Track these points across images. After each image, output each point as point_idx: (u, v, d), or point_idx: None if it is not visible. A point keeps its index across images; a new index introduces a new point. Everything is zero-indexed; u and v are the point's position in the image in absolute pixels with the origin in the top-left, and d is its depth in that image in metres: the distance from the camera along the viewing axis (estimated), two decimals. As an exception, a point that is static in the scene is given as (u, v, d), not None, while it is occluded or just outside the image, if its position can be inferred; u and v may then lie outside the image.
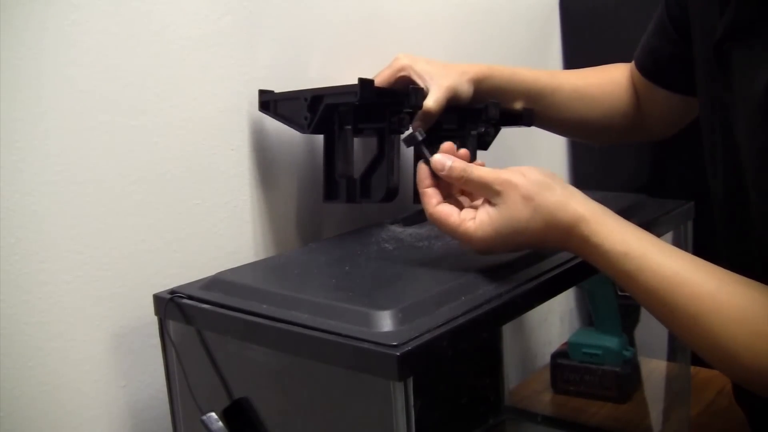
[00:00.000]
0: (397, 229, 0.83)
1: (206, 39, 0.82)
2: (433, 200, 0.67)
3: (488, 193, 0.65)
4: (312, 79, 0.93)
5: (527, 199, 0.63)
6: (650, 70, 0.89)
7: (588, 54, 1.36)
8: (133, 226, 0.77)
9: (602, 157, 1.33)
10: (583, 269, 0.72)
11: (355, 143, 0.83)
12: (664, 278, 0.60)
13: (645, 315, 1.19)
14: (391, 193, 0.82)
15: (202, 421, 0.65)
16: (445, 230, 0.67)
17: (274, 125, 0.88)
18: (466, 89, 0.85)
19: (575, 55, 1.37)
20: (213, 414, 0.65)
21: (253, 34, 0.86)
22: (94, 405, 0.75)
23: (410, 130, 0.78)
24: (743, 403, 0.85)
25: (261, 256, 0.88)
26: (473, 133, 0.86)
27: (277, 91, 0.86)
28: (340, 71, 0.97)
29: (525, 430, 1.15)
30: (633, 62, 0.93)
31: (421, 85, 0.84)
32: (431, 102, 0.81)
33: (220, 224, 0.85)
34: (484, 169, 0.66)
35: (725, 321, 0.57)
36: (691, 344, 0.61)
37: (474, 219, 0.65)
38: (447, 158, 0.67)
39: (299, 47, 0.92)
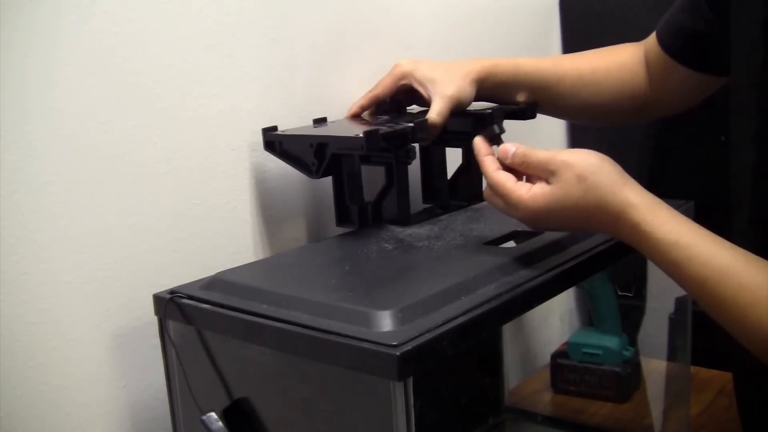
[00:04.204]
0: (397, 229, 0.83)
1: (206, 39, 0.82)
2: (492, 166, 0.70)
3: (545, 173, 0.67)
4: (311, 79, 0.93)
5: (581, 178, 0.64)
6: (676, 47, 0.87)
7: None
8: (133, 226, 0.77)
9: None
10: (583, 269, 0.72)
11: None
12: (715, 269, 0.60)
13: (647, 318, 1.20)
14: (405, 219, 0.85)
15: (202, 421, 0.65)
16: (500, 192, 0.68)
17: (273, 125, 0.88)
18: (468, 93, 0.85)
19: (575, 55, 1.37)
20: (213, 414, 0.65)
21: (252, 34, 0.86)
22: (94, 405, 0.75)
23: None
24: (742, 392, 0.84)
25: (261, 256, 0.88)
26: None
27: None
28: (341, 70, 0.97)
29: (525, 430, 1.15)
30: (649, 41, 0.91)
31: (423, 94, 0.84)
32: (434, 115, 0.81)
33: (220, 224, 0.85)
34: (543, 151, 0.68)
35: None
36: (740, 336, 0.61)
37: (529, 190, 0.67)
38: (512, 145, 0.70)
39: (300, 46, 0.92)
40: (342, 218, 0.87)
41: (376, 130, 0.75)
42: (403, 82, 0.86)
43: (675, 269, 0.62)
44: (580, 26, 1.36)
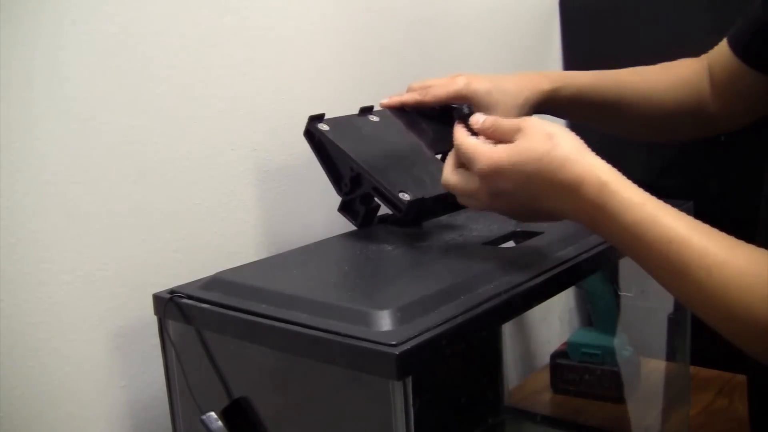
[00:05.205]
0: (397, 229, 0.83)
1: (206, 39, 0.82)
2: (462, 131, 0.68)
3: (514, 132, 0.65)
4: (311, 79, 0.93)
5: (549, 135, 0.63)
6: (749, 49, 0.84)
7: (588, 54, 1.36)
8: (133, 226, 0.77)
9: (601, 157, 1.33)
10: (583, 269, 0.72)
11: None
12: (681, 230, 0.58)
13: (647, 318, 1.19)
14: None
15: (202, 421, 0.65)
16: (463, 153, 0.66)
17: (273, 125, 0.88)
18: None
19: (575, 55, 1.37)
20: (213, 414, 0.65)
21: (252, 34, 0.86)
22: (94, 405, 0.75)
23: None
24: (756, 391, 0.83)
25: (261, 256, 0.88)
26: None
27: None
28: (341, 69, 0.97)
29: (525, 430, 1.15)
30: (713, 53, 0.89)
31: None
32: None
33: (220, 224, 0.85)
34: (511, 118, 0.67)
35: (741, 272, 0.56)
36: (701, 303, 0.58)
37: (493, 146, 0.65)
38: (482, 115, 0.68)
39: (302, 46, 0.92)
40: (347, 210, 0.84)
41: (422, 200, 0.74)
42: (458, 100, 0.83)
43: (638, 230, 0.59)
44: (580, 26, 1.36)
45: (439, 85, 0.84)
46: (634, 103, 0.90)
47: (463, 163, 0.67)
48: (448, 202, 0.77)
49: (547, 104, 0.86)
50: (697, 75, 0.91)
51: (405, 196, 0.75)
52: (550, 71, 0.88)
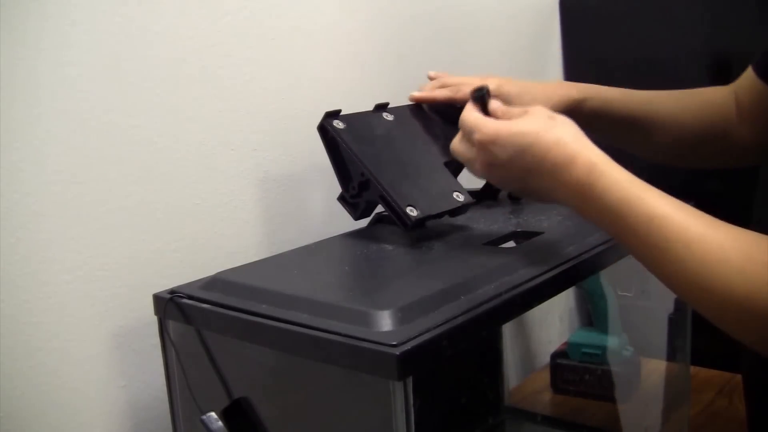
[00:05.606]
0: (398, 229, 0.83)
1: (205, 39, 0.82)
2: (472, 108, 0.71)
3: (521, 114, 0.68)
4: (311, 80, 0.93)
5: (551, 116, 0.66)
6: None
7: (588, 54, 1.36)
8: (133, 226, 0.77)
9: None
10: (583, 269, 0.72)
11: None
12: (666, 206, 0.60)
13: (647, 318, 1.19)
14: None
15: (202, 421, 0.65)
16: (468, 122, 0.69)
17: (273, 125, 0.88)
18: None
19: (575, 55, 1.37)
20: (213, 414, 0.65)
21: (252, 34, 0.86)
22: (94, 405, 0.75)
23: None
24: (752, 391, 0.83)
25: (261, 256, 0.88)
26: None
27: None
28: (340, 69, 0.97)
29: (525, 430, 1.15)
30: (740, 79, 0.88)
31: None
32: None
33: (220, 224, 0.85)
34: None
35: (720, 246, 0.57)
36: (681, 279, 0.59)
37: (497, 119, 0.69)
38: (496, 101, 0.72)
39: (302, 46, 0.92)
40: (348, 203, 0.84)
41: (426, 217, 0.75)
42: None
43: (622, 208, 0.61)
44: (580, 26, 1.36)
45: (472, 84, 0.85)
46: (663, 123, 0.90)
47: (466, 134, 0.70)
48: (452, 212, 0.79)
49: (574, 113, 0.85)
50: (726, 101, 0.90)
51: (413, 212, 0.75)
52: (580, 83, 0.88)
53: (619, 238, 0.62)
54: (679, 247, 0.58)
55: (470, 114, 0.70)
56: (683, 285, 0.59)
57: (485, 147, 0.67)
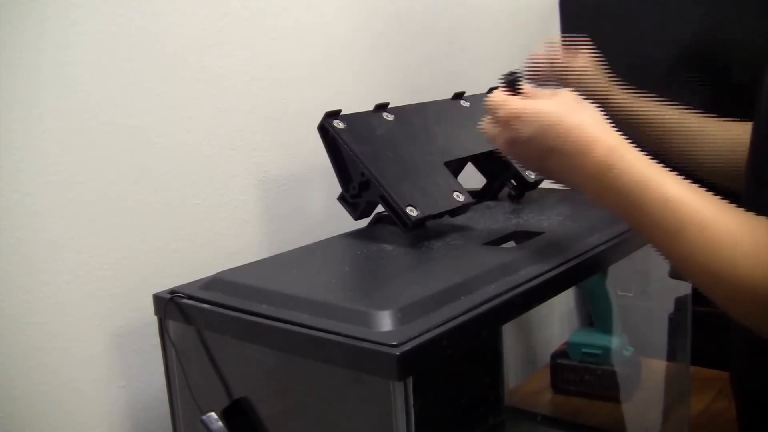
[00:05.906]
0: (397, 229, 0.83)
1: (205, 39, 0.82)
2: (502, 91, 0.71)
3: (549, 95, 0.69)
4: (311, 80, 0.93)
5: (578, 100, 0.67)
6: None
7: (588, 54, 1.36)
8: (133, 226, 0.77)
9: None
10: (583, 269, 0.72)
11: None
12: (683, 188, 0.60)
13: (647, 318, 1.19)
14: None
15: (202, 421, 0.65)
16: (494, 95, 0.70)
17: (274, 125, 0.88)
18: None
19: (575, 55, 1.37)
20: (213, 414, 0.65)
21: (251, 35, 0.86)
22: (94, 405, 0.75)
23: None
24: (740, 390, 0.83)
25: (261, 256, 0.88)
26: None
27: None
28: (340, 68, 0.97)
29: (525, 430, 1.15)
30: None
31: None
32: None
33: (220, 224, 0.85)
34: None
35: (732, 230, 0.57)
36: (693, 262, 0.59)
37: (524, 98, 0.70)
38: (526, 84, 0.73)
39: (302, 46, 0.92)
40: (348, 203, 0.84)
41: (426, 218, 0.76)
42: (566, 76, 0.91)
43: (638, 191, 0.61)
44: (580, 26, 1.36)
45: (560, 51, 0.92)
46: (688, 137, 0.89)
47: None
48: (452, 212, 0.79)
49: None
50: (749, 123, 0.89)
51: (413, 212, 0.75)
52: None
53: (634, 220, 0.63)
54: (693, 231, 0.58)
55: (498, 94, 0.70)
56: (695, 269, 0.59)
57: (509, 123, 0.68)
